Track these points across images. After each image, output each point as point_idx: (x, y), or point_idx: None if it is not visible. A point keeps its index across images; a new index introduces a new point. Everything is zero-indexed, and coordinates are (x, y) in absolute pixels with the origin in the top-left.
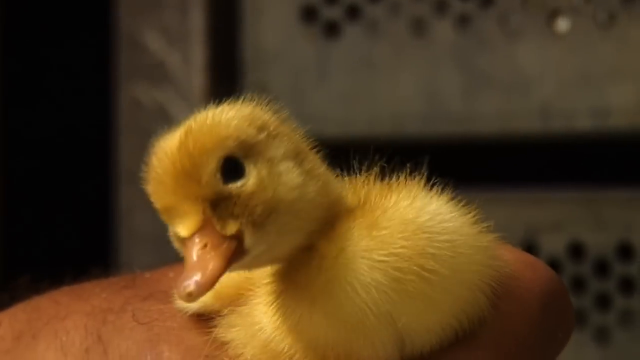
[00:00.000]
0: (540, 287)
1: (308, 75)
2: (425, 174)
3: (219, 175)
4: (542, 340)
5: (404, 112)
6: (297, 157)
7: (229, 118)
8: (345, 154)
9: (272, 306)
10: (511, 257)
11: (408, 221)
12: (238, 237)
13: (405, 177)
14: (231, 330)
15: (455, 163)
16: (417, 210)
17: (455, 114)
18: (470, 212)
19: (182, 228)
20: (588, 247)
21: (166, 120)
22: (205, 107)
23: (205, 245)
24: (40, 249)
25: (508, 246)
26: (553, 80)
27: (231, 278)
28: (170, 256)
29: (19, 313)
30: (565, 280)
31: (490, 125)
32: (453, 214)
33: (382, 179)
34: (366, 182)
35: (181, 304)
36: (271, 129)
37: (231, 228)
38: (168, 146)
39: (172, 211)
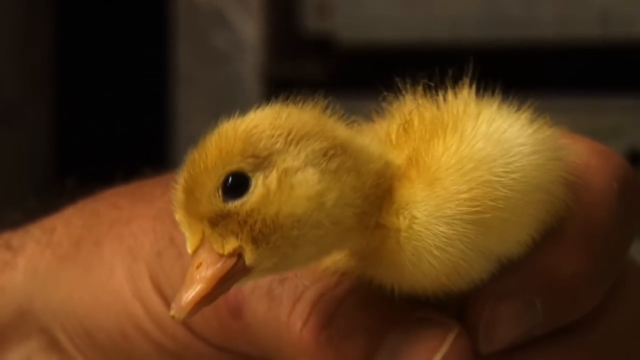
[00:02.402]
0: (616, 176)
1: None
2: (470, 80)
3: (219, 193)
4: (620, 229)
5: (462, 16)
6: (324, 156)
7: (243, 130)
8: (401, 58)
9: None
10: (582, 146)
11: (464, 160)
12: (239, 255)
13: (451, 89)
14: None
15: (513, 69)
16: (468, 144)
17: (514, 19)
18: (522, 113)
19: (188, 244)
20: None
21: (222, 24)
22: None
23: (199, 265)
24: (96, 155)
25: (576, 135)
26: None
27: None
28: None
29: (74, 218)
30: None
31: (548, 30)
32: (503, 125)
33: (429, 93)
34: (410, 113)
35: None
36: (293, 134)
37: (228, 246)
38: (189, 158)
39: (182, 225)
